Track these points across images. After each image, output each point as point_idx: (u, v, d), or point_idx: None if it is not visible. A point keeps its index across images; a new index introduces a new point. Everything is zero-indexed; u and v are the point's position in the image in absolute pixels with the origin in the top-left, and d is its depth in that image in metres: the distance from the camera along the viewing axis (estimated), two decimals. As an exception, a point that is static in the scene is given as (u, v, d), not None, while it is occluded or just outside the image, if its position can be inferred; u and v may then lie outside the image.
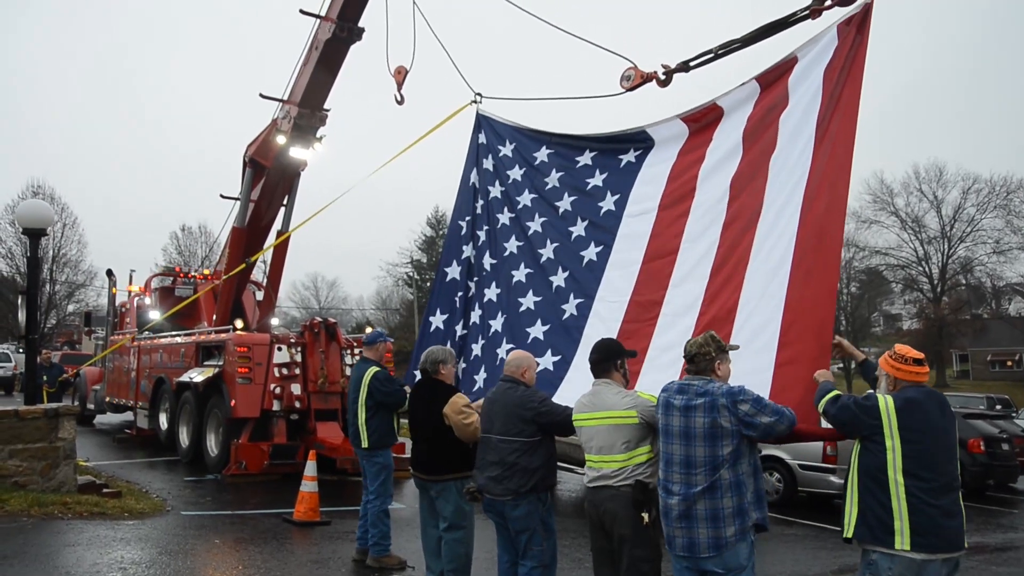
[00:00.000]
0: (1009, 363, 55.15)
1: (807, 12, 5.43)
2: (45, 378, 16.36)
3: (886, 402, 3.96)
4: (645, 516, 4.49)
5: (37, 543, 7.63)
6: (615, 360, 4.90)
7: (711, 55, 6.04)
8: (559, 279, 6.74)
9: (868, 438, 3.98)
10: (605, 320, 6.19)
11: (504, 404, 5.30)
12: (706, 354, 4.30)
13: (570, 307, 6.54)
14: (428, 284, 59.39)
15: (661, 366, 5.33)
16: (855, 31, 5.19)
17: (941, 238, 52.23)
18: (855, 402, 4.07)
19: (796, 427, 4.30)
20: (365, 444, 7.48)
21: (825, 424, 4.47)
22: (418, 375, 6.43)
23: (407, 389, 7.16)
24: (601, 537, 4.77)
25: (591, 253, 6.60)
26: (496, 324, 6.98)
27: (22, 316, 11.42)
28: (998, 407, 27.54)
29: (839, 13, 5.32)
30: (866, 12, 5.17)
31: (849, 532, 4.03)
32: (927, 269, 52.98)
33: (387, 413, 7.57)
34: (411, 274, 60.88)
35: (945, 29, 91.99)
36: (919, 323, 53.39)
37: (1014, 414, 23.96)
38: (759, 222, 5.38)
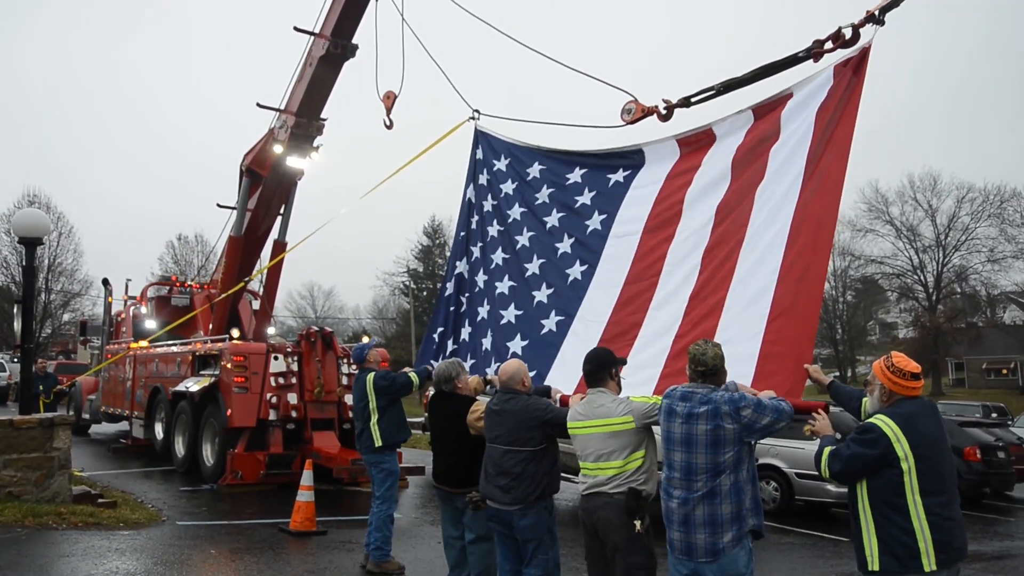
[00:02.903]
0: (1004, 371, 55.20)
1: (808, 54, 5.48)
2: (41, 387, 16.30)
3: (889, 426, 3.86)
4: (637, 524, 4.52)
5: (31, 554, 7.59)
6: (610, 369, 4.95)
7: (712, 92, 6.07)
8: (542, 295, 6.76)
9: (886, 465, 3.86)
10: (582, 339, 6.21)
11: (509, 415, 5.35)
12: (724, 368, 4.35)
13: (550, 323, 6.57)
14: (425, 294, 59.43)
15: (634, 384, 5.34)
16: (851, 73, 5.24)
17: (936, 247, 52.40)
18: (856, 443, 3.91)
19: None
20: (378, 443, 7.62)
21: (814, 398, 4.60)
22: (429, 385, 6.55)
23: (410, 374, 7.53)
24: (595, 544, 4.79)
25: (576, 271, 6.62)
26: (487, 343, 7.02)
27: (18, 325, 11.39)
28: (994, 415, 27.59)
29: (840, 55, 5.36)
30: (863, 55, 5.21)
31: (875, 565, 3.89)
32: (922, 278, 53.12)
33: (396, 411, 7.76)
34: (407, 283, 60.82)
35: (941, 40, 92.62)
36: (915, 331, 53.44)
37: (1010, 422, 24.02)
38: (741, 250, 5.39)
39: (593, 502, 4.74)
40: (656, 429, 4.68)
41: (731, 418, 4.14)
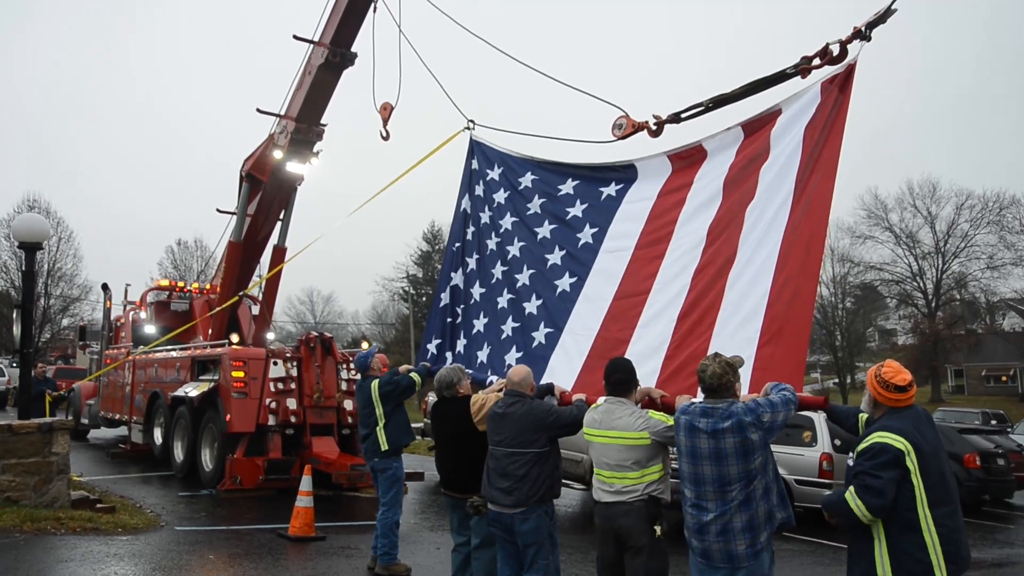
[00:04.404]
0: (1004, 378, 55.22)
1: (796, 71, 5.49)
2: (47, 390, 16.31)
3: (900, 441, 3.85)
4: (658, 529, 4.69)
5: (30, 559, 7.58)
6: (635, 379, 5.02)
7: (702, 108, 6.10)
8: (532, 306, 6.78)
9: (903, 480, 3.84)
10: (570, 353, 6.22)
11: (515, 418, 5.42)
12: (727, 384, 4.36)
13: (539, 335, 6.58)
14: (424, 299, 59.38)
15: None
16: (837, 91, 5.25)
17: (935, 253, 52.44)
18: (878, 469, 3.85)
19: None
20: (385, 447, 7.72)
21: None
22: (432, 397, 6.55)
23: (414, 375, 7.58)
24: (611, 550, 4.85)
25: (565, 283, 6.62)
26: (482, 355, 7.03)
27: (17, 330, 11.38)
28: (993, 422, 27.60)
29: (827, 71, 5.37)
30: (849, 72, 5.23)
31: None
32: (921, 284, 53.15)
33: (401, 415, 7.85)
34: (407, 289, 60.81)
35: (941, 48, 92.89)
36: (914, 338, 53.47)
37: (1009, 429, 23.99)
38: (731, 271, 5.39)
39: (613, 510, 4.80)
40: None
41: (754, 427, 4.19)
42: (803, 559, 9.61)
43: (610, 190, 6.73)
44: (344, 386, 12.85)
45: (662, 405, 5.05)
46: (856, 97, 5.20)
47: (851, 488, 3.94)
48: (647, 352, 5.62)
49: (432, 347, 7.45)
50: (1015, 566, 10.25)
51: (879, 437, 3.90)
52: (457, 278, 7.58)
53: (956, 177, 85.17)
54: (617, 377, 4.99)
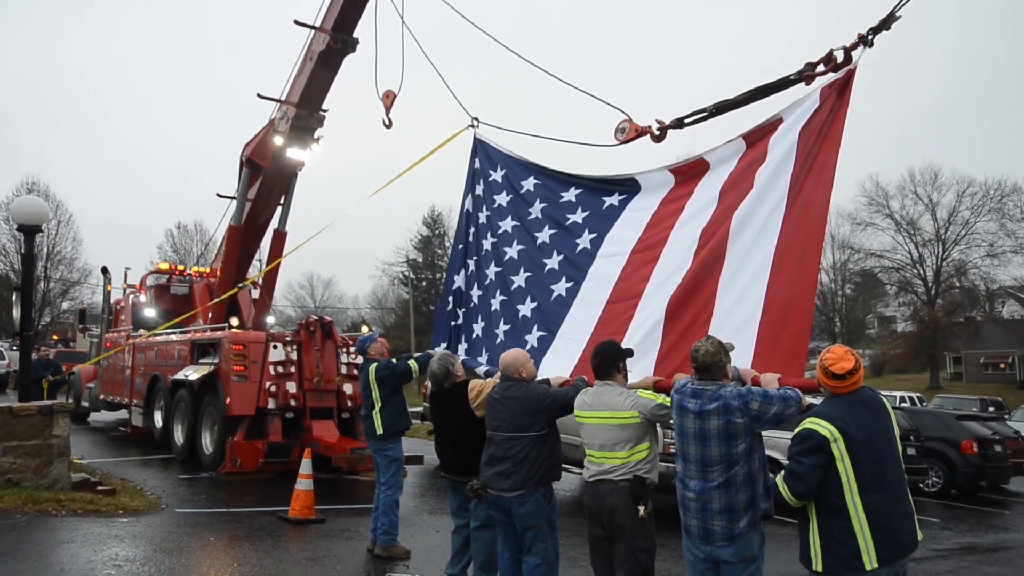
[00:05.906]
0: (1002, 365, 55.29)
1: (800, 77, 5.44)
2: (52, 375, 16.37)
3: (824, 427, 3.87)
4: (641, 509, 4.74)
5: (31, 540, 7.62)
6: (617, 362, 5.09)
7: (705, 113, 6.07)
8: (526, 309, 6.78)
9: (828, 467, 3.88)
10: (562, 357, 6.23)
11: (511, 401, 5.46)
12: (719, 362, 4.43)
13: (532, 338, 6.59)
14: (424, 284, 59.44)
15: None
16: (835, 96, 5.20)
17: (936, 241, 52.46)
18: (802, 455, 3.92)
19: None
20: (380, 431, 7.79)
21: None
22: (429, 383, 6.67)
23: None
24: (599, 528, 4.97)
25: (561, 288, 6.62)
26: (483, 359, 7.03)
27: (17, 313, 11.38)
28: (991, 409, 27.71)
29: (830, 77, 5.30)
30: (848, 78, 5.17)
31: (818, 566, 3.96)
32: (921, 271, 53.18)
33: (398, 400, 7.91)
34: (407, 273, 60.80)
35: (942, 36, 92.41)
36: (913, 325, 53.54)
37: (1006, 416, 24.08)
38: (722, 273, 5.35)
39: (599, 488, 4.90)
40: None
41: (741, 412, 4.25)
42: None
43: (612, 200, 6.73)
44: (344, 370, 12.88)
45: (656, 389, 5.07)
46: (864, 88, 5.17)
47: (781, 472, 4.05)
48: (636, 357, 5.57)
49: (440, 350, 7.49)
50: (1010, 551, 10.32)
51: (808, 423, 3.94)
52: (459, 280, 7.59)
53: (958, 164, 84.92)
54: (596, 363, 5.09)
